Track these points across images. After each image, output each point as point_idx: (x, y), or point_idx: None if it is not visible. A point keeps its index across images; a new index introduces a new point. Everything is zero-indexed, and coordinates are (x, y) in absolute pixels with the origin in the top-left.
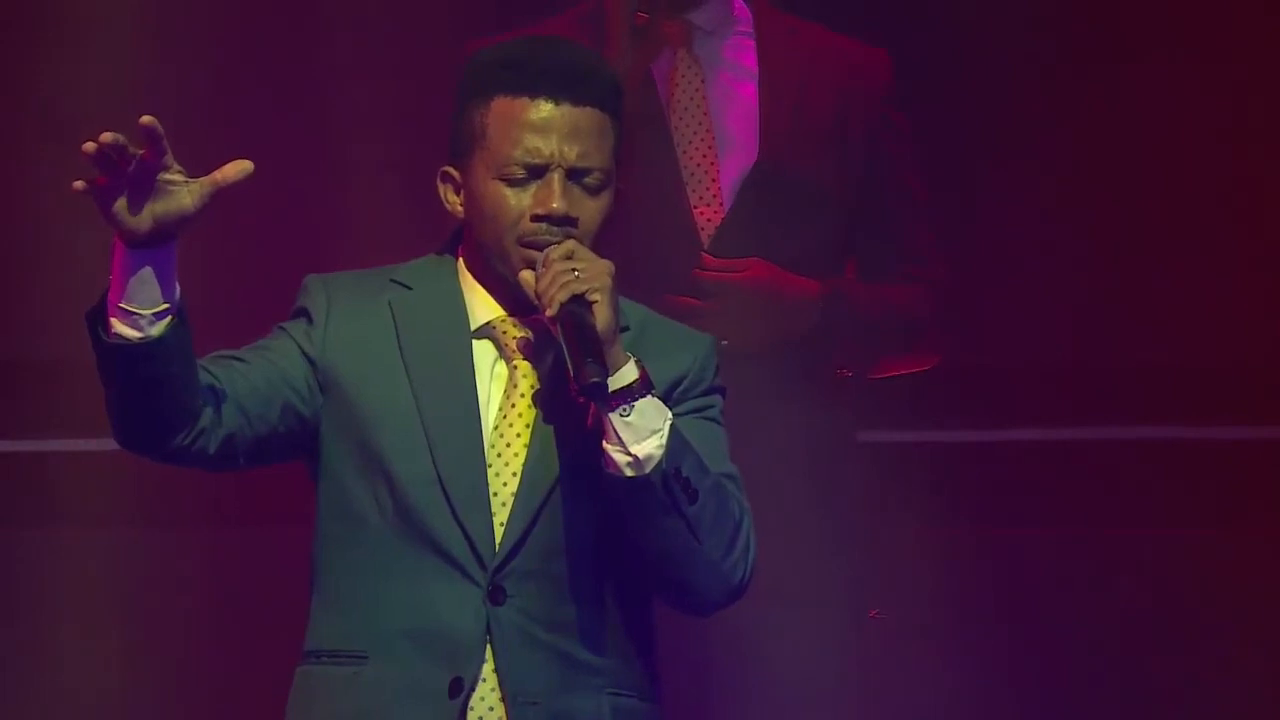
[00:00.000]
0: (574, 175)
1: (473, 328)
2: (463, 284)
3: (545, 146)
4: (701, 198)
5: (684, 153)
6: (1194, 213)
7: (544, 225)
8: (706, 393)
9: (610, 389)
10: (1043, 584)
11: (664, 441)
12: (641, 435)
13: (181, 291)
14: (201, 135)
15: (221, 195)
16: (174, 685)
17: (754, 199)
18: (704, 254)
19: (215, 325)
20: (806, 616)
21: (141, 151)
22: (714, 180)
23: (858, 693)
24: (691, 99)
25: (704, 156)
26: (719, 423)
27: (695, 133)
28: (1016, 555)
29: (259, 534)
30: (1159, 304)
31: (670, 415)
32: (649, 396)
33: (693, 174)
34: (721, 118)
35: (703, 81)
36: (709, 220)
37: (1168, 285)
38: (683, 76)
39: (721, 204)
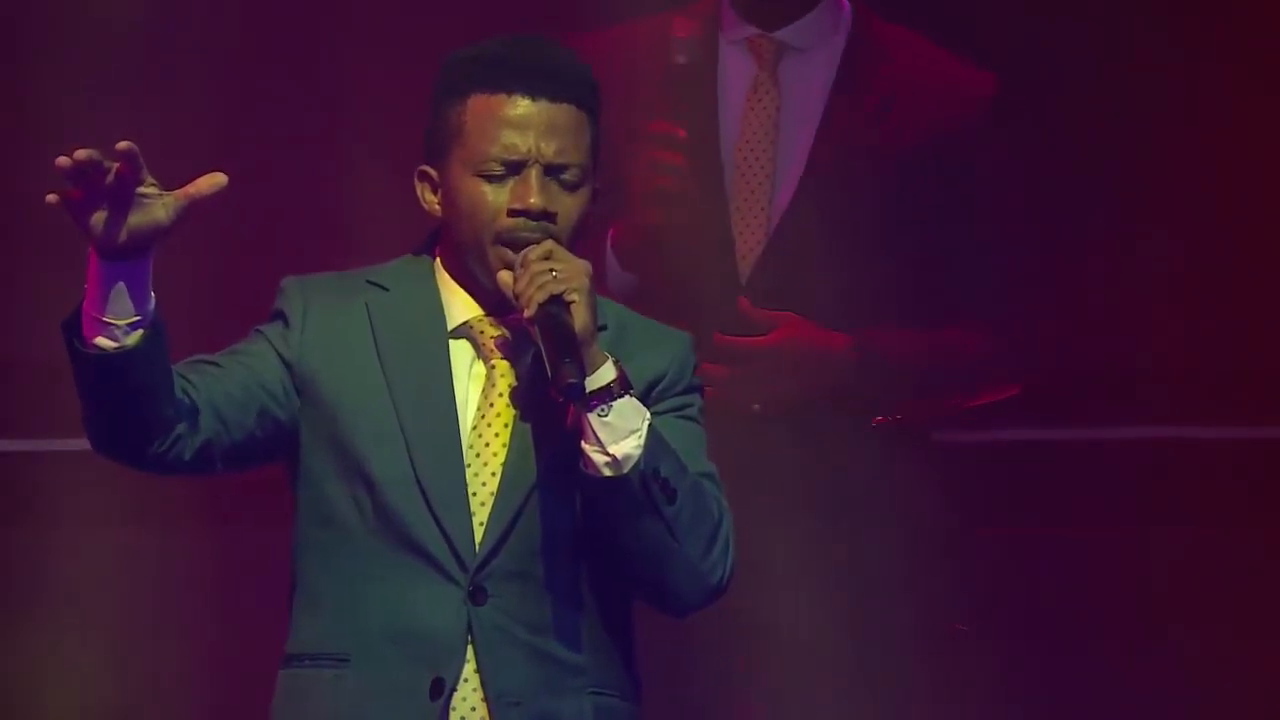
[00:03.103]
0: (551, 171)
1: (450, 328)
2: (440, 284)
3: (522, 142)
4: (748, 227)
5: (733, 181)
6: (1194, 213)
7: (521, 220)
8: (685, 391)
9: (588, 389)
10: (1043, 584)
11: (642, 441)
12: (619, 435)
13: (157, 302)
14: (177, 136)
15: (197, 207)
16: (173, 685)
17: (795, 232)
18: (740, 299)
19: (195, 328)
20: (808, 616)
21: (116, 164)
22: (763, 209)
23: (858, 693)
24: (763, 125)
25: (760, 184)
26: (698, 422)
27: (758, 159)
28: (1016, 555)
29: (258, 534)
30: (1160, 304)
31: (649, 415)
32: (627, 396)
33: (738, 207)
34: (788, 146)
35: (778, 109)
36: (750, 252)
37: (1169, 285)
38: (760, 101)
39: (767, 235)
